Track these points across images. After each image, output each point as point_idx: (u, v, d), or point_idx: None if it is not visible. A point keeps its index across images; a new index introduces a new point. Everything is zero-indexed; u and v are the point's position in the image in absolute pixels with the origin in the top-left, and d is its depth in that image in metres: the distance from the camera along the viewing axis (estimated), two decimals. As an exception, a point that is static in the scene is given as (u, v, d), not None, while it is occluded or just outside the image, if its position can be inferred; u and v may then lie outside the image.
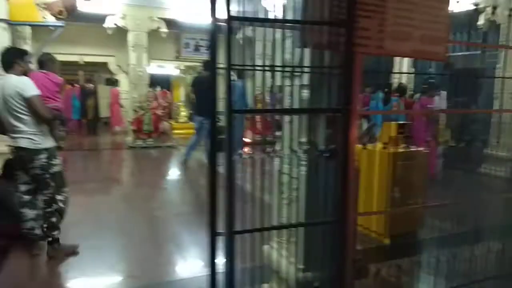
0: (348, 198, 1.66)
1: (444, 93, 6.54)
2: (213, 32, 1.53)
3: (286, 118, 2.05)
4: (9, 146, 2.84)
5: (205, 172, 6.32)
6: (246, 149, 7.02)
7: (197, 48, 9.51)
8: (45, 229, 2.91)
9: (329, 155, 1.86)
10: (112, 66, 10.96)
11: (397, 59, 8.35)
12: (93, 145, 9.10)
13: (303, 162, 1.98)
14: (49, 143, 2.86)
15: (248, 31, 1.87)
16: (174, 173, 6.49)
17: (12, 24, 5.43)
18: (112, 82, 10.00)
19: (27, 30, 7.14)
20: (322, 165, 1.85)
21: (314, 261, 1.93)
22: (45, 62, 3.39)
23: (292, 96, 1.98)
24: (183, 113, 11.61)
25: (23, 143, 2.72)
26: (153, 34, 8.48)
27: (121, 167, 7.17)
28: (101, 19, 8.08)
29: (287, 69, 1.93)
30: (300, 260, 1.98)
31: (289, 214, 2.03)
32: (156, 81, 9.76)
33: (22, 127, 2.72)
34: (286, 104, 2.05)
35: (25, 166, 2.81)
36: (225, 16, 1.42)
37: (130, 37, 8.29)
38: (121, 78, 11.41)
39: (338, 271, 1.69)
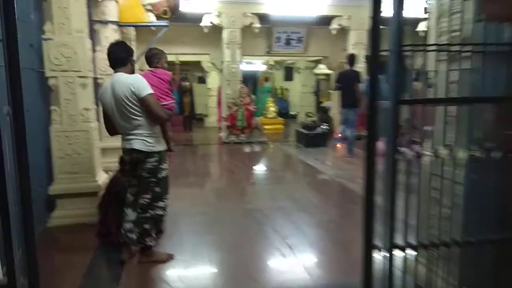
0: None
1: None
2: (375, 11, 1.26)
3: (442, 109, 1.70)
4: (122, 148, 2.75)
5: (296, 163, 6.04)
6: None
7: (288, 42, 9.31)
8: (138, 235, 2.74)
9: (504, 156, 1.48)
10: (205, 64, 11.30)
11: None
12: (190, 140, 9.47)
13: (468, 164, 1.62)
14: (161, 146, 2.72)
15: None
16: (272, 167, 6.39)
17: (121, 26, 5.77)
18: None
19: (132, 32, 7.60)
20: (493, 167, 1.48)
21: (480, 284, 1.57)
22: (150, 58, 3.10)
23: (447, 81, 1.62)
24: (272, 108, 11.56)
25: (137, 145, 2.59)
26: (245, 30, 8.50)
27: (219, 162, 7.30)
28: (198, 18, 8.30)
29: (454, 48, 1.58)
30: (464, 282, 1.62)
31: (445, 227, 1.68)
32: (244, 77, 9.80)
33: (135, 128, 2.59)
34: (441, 92, 1.70)
35: (135, 168, 2.69)
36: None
37: (225, 34, 8.40)
38: (214, 75, 11.75)
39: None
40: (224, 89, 9.00)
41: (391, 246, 1.36)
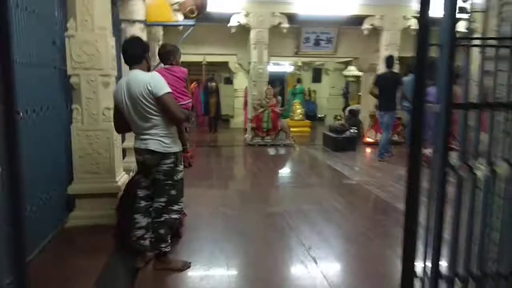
0: None
1: None
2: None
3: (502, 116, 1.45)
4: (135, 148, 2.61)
5: (323, 168, 5.79)
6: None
7: (317, 42, 9.05)
8: (152, 240, 2.63)
9: None
10: (233, 65, 11.21)
11: None
12: (215, 141, 9.39)
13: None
14: (177, 147, 2.59)
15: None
16: (297, 172, 6.16)
17: (148, 25, 5.72)
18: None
19: (159, 31, 7.58)
20: None
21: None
22: (165, 55, 2.97)
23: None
24: (299, 110, 11.31)
25: (152, 146, 2.47)
26: (273, 30, 8.32)
27: (242, 165, 7.15)
28: (225, 18, 8.20)
29: None
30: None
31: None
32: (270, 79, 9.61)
33: (151, 128, 2.47)
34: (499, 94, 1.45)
35: (150, 170, 2.57)
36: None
37: (252, 34, 8.25)
38: (241, 76, 11.64)
39: None
40: (250, 90, 8.85)
41: (436, 276, 1.13)
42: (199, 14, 5.74)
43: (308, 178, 5.64)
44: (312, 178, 5.69)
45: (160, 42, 7.92)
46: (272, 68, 10.94)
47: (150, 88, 2.39)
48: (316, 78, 14.23)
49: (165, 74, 2.72)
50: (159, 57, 2.95)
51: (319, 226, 3.58)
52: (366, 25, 8.50)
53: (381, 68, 8.57)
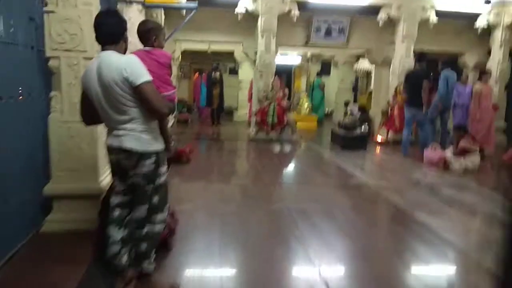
0: None
1: None
2: None
3: None
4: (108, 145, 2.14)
5: (331, 169, 5.30)
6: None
7: (329, 32, 8.51)
8: (132, 257, 2.19)
9: None
10: (238, 54, 10.70)
11: None
12: (216, 135, 8.92)
13: None
14: (159, 145, 2.14)
15: None
16: (303, 171, 5.69)
17: (147, 6, 5.25)
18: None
19: (161, 16, 7.10)
20: None
21: None
22: (145, 34, 2.35)
23: None
24: (306, 104, 10.82)
25: (129, 143, 2.02)
26: (282, 18, 7.78)
27: (244, 162, 6.69)
28: (232, 4, 7.68)
29: None
30: None
31: None
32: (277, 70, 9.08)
33: (127, 122, 2.03)
34: None
35: (126, 172, 2.10)
36: None
37: (260, 21, 7.73)
38: (246, 67, 11.13)
39: None
40: (255, 81, 8.35)
41: None
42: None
43: (314, 179, 5.18)
44: (318, 179, 5.22)
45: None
46: (279, 59, 10.44)
47: (125, 75, 1.93)
48: (325, 71, 13.70)
49: (144, 58, 2.18)
50: (138, 36, 2.39)
51: (327, 238, 3.13)
52: (381, 15, 7.94)
53: (397, 62, 8.07)
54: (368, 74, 14.16)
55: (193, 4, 5.38)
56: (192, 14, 5.58)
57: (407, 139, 6.48)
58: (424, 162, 6.06)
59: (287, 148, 7.46)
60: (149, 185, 2.12)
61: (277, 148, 7.41)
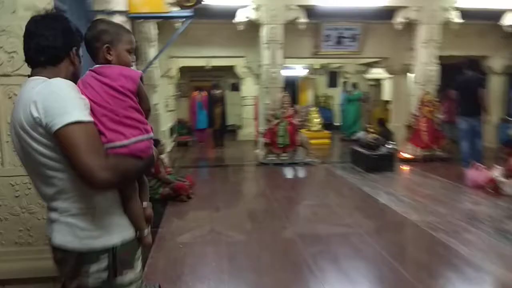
0: None
1: None
2: None
3: None
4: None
5: (359, 199, 4.30)
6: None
7: (339, 41, 7.68)
8: None
9: None
10: (240, 69, 9.89)
11: None
12: (220, 160, 7.98)
13: None
14: (116, 235, 1.23)
15: None
16: (327, 205, 4.72)
17: (132, 17, 4.41)
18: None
19: (153, 31, 6.29)
20: None
21: None
22: (93, 42, 1.32)
23: None
24: (316, 120, 9.92)
25: (59, 237, 1.18)
26: (288, 27, 6.94)
27: (252, 194, 5.75)
28: (231, 14, 6.87)
29: None
30: None
31: None
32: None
33: (55, 198, 1.18)
34: None
35: (67, 277, 1.23)
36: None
37: (264, 31, 6.89)
38: (249, 82, 10.32)
39: None
40: (261, 98, 7.48)
41: None
42: (197, 2, 4.40)
43: (343, 215, 4.22)
44: (347, 215, 4.26)
45: (155, 44, 6.60)
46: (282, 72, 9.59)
47: (36, 115, 1.09)
48: (332, 82, 12.86)
49: (91, 84, 1.25)
50: (85, 46, 1.36)
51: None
52: (399, 19, 7.10)
53: (419, 70, 7.20)
54: (379, 82, 13.31)
55: (188, 13, 4.53)
56: (186, 24, 4.73)
57: (467, 152, 5.90)
58: (468, 183, 5.13)
59: (302, 172, 6.53)
60: None
61: (290, 172, 6.48)
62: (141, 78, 1.31)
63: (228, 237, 3.58)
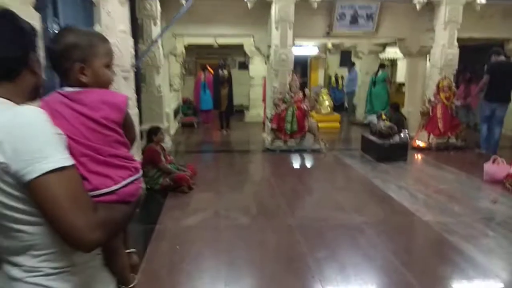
0: None
1: None
2: None
3: None
4: None
5: (369, 193, 3.98)
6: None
7: (354, 20, 7.24)
8: None
9: None
10: (248, 48, 9.51)
11: None
12: (224, 145, 7.75)
13: None
14: None
15: None
16: (335, 200, 4.51)
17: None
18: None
19: (155, 6, 5.97)
20: None
21: None
22: (61, 58, 1.04)
23: None
24: (326, 102, 9.59)
25: None
26: (299, 5, 6.53)
27: (256, 183, 5.55)
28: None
29: None
30: None
31: None
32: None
33: (23, 254, 0.91)
34: None
35: None
36: None
37: (274, 10, 6.51)
38: (257, 62, 9.97)
39: None
40: (270, 81, 7.17)
41: None
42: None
43: (350, 216, 4.01)
44: (353, 213, 4.05)
45: (158, 22, 6.25)
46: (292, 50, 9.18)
47: (0, 159, 0.82)
48: (344, 61, 12.38)
49: (61, 112, 1.00)
50: (51, 64, 1.08)
51: None
52: (418, -2, 6.63)
53: (438, 53, 6.78)
54: (393, 62, 12.80)
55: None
56: (190, 2, 4.41)
57: (486, 135, 6.12)
58: (485, 179, 4.87)
59: (310, 160, 6.30)
60: None
61: (297, 161, 6.26)
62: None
63: (230, 238, 3.40)
